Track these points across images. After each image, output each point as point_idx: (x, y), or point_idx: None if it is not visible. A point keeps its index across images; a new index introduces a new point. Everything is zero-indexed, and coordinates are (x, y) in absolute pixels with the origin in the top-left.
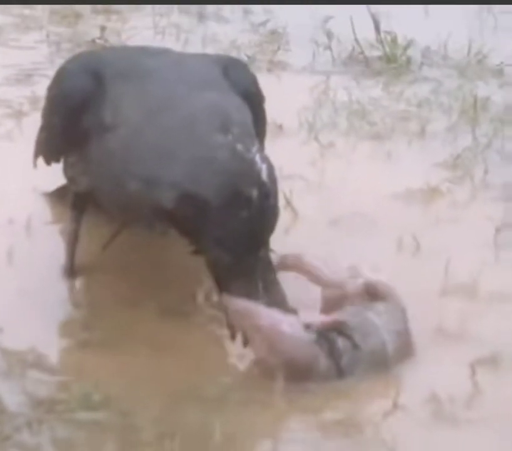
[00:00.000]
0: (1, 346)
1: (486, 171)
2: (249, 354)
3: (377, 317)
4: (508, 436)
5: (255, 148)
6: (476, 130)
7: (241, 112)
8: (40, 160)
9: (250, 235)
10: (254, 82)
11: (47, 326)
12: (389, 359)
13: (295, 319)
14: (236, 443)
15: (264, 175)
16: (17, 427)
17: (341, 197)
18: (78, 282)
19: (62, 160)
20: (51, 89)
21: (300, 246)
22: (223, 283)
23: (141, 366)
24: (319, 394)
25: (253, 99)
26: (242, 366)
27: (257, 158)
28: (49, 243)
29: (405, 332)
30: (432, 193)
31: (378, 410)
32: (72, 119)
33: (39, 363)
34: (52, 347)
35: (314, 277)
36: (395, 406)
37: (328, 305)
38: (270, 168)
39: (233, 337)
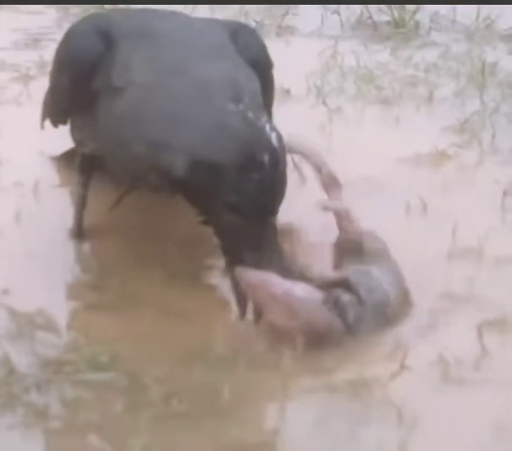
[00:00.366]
0: (10, 307)
1: (493, 136)
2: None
3: (378, 271)
4: None
5: (264, 118)
6: (483, 95)
7: (251, 81)
8: (48, 122)
9: (263, 199)
10: (263, 48)
11: (55, 288)
12: (391, 312)
13: (305, 284)
14: (244, 404)
15: (275, 141)
16: (26, 387)
17: (349, 161)
18: (86, 245)
19: (69, 122)
20: (59, 50)
21: (307, 211)
22: (234, 253)
23: (149, 328)
24: (327, 355)
25: (262, 66)
26: (250, 328)
27: (267, 126)
28: (57, 206)
29: (402, 282)
30: (440, 157)
31: (387, 372)
32: (81, 81)
33: (47, 325)
34: (60, 309)
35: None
36: (403, 367)
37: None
38: (279, 137)
39: (242, 313)
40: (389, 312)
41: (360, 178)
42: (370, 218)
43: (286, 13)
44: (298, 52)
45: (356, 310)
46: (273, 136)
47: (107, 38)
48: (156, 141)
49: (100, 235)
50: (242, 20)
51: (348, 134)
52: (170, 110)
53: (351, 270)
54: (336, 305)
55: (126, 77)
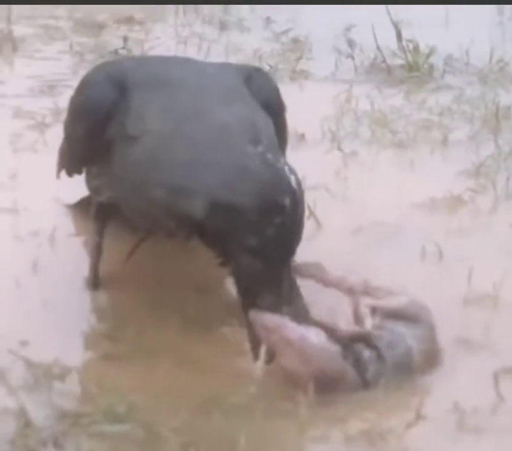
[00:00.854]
0: (27, 358)
1: (508, 179)
2: (273, 366)
3: (404, 327)
4: None
5: (282, 160)
6: (498, 138)
7: (267, 124)
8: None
9: (283, 242)
10: (276, 91)
11: (72, 338)
12: (414, 368)
13: (320, 331)
14: None
15: (294, 184)
16: (42, 440)
17: (364, 206)
18: (102, 294)
19: (84, 171)
20: (74, 99)
21: (323, 256)
22: (250, 295)
23: (165, 377)
24: (343, 404)
25: (275, 109)
26: (266, 376)
27: (286, 168)
28: (73, 255)
29: (432, 340)
30: (455, 201)
31: (402, 420)
32: (96, 130)
33: (64, 376)
34: (76, 359)
35: (335, 286)
36: (419, 416)
37: (356, 317)
38: (298, 179)
39: (256, 356)
40: (412, 366)
41: (376, 224)
42: (385, 264)
43: (300, 57)
44: (313, 96)
45: (376, 366)
46: (293, 178)
47: (121, 87)
48: (175, 185)
49: (116, 283)
50: (256, 64)
51: (364, 178)
52: (188, 155)
53: (374, 325)
54: (356, 362)
55: (141, 125)
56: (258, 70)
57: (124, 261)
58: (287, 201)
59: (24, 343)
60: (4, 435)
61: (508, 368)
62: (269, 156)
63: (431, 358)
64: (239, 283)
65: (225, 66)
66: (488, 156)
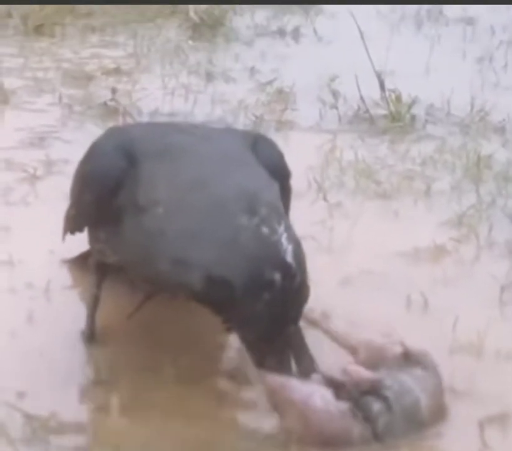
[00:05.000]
0: (24, 411)
1: (490, 229)
2: (267, 420)
3: (411, 378)
4: None
5: (282, 228)
6: (479, 188)
7: (270, 191)
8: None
9: (273, 316)
10: (281, 157)
11: (67, 390)
12: (423, 419)
13: (327, 390)
14: None
15: (289, 257)
16: None
17: (350, 256)
18: (97, 346)
19: (88, 232)
20: (82, 166)
21: (311, 305)
22: (257, 358)
23: (159, 430)
24: None
25: (280, 175)
26: (260, 431)
27: (283, 238)
28: (68, 308)
29: (439, 394)
30: (438, 251)
31: None
32: (105, 199)
33: (60, 429)
34: (72, 412)
35: (338, 340)
36: None
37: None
38: (297, 247)
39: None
40: (420, 418)
41: (361, 273)
42: (371, 313)
43: (285, 108)
44: (298, 146)
45: (386, 418)
46: (289, 249)
47: (130, 156)
48: (175, 258)
49: (112, 336)
50: (242, 114)
51: (349, 229)
52: (189, 227)
53: (382, 374)
54: (367, 416)
55: (150, 196)
56: (262, 137)
57: (128, 318)
58: (277, 276)
59: (21, 395)
60: None
61: (493, 416)
62: (264, 228)
63: (438, 412)
64: (245, 346)
65: (230, 132)
66: (470, 206)
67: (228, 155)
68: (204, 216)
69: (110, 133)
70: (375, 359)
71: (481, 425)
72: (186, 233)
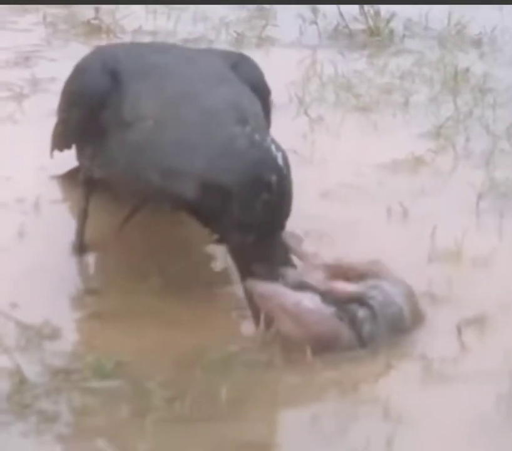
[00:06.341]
0: (18, 320)
1: (467, 140)
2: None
3: (392, 287)
4: (493, 390)
5: (269, 138)
6: (457, 100)
7: (254, 105)
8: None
9: (271, 217)
10: (262, 76)
11: (60, 300)
12: (406, 325)
13: (314, 295)
14: (242, 404)
15: (280, 161)
16: (36, 396)
17: (330, 169)
18: (88, 258)
19: (75, 149)
20: (68, 85)
21: (293, 219)
22: (246, 267)
23: (149, 335)
24: (317, 358)
25: (262, 93)
26: (245, 333)
27: (273, 146)
28: (58, 221)
29: (415, 300)
30: (417, 162)
31: (372, 371)
32: (91, 116)
33: (54, 335)
34: (65, 320)
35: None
36: (388, 366)
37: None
38: (285, 156)
39: (256, 322)
40: (403, 325)
41: (342, 185)
42: (353, 225)
43: (266, 24)
44: (279, 62)
45: (371, 325)
46: (279, 155)
47: (114, 74)
48: (167, 168)
49: (101, 248)
50: (223, 31)
51: (330, 142)
52: (179, 138)
53: (364, 285)
54: (352, 321)
55: (135, 112)
56: (243, 57)
57: (117, 230)
58: (274, 178)
59: (14, 305)
60: (1, 392)
61: (471, 319)
62: (256, 136)
63: (418, 317)
64: (234, 256)
65: (212, 52)
66: (448, 117)
67: (212, 73)
68: (197, 126)
69: (95, 53)
70: (339, 277)
71: (459, 328)
72: (179, 143)
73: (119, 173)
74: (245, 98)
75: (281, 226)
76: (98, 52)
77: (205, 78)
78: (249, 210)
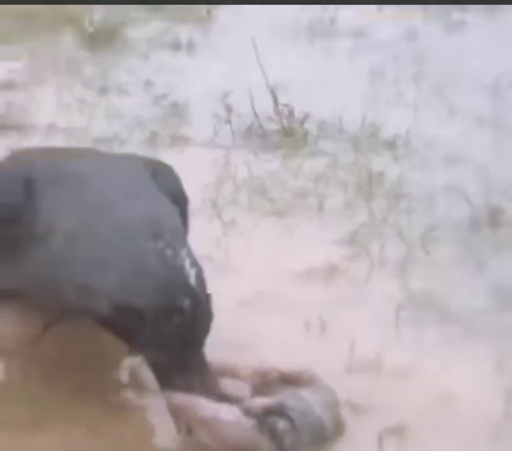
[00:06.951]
0: None
1: (382, 247)
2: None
3: (311, 396)
4: None
5: (184, 251)
6: (371, 205)
7: (172, 217)
8: None
9: (184, 338)
10: (180, 186)
11: None
12: (327, 434)
13: (233, 407)
14: None
15: (192, 281)
16: None
17: (247, 277)
18: None
19: None
20: None
21: (213, 327)
22: (163, 379)
23: (59, 443)
24: None
25: (180, 202)
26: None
27: (186, 263)
28: None
29: (336, 409)
30: (332, 270)
31: None
32: (2, 230)
33: None
34: None
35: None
36: None
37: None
38: (199, 272)
39: (178, 429)
40: (325, 434)
41: (258, 294)
42: (270, 334)
43: (180, 123)
44: (192, 162)
45: (292, 437)
46: (192, 273)
47: (28, 182)
48: (81, 285)
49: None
50: (138, 130)
51: (244, 248)
52: (93, 254)
53: (284, 395)
54: (273, 434)
55: (49, 224)
56: (162, 164)
57: (35, 340)
58: (186, 302)
59: None
60: None
61: (391, 428)
62: (169, 251)
63: (339, 426)
64: (151, 368)
65: (131, 160)
66: (362, 223)
67: (129, 183)
68: (109, 241)
69: (10, 161)
70: (261, 384)
71: (380, 437)
72: (90, 259)
73: (33, 287)
74: (161, 210)
75: (199, 344)
76: (12, 159)
77: (122, 189)
78: (160, 332)
